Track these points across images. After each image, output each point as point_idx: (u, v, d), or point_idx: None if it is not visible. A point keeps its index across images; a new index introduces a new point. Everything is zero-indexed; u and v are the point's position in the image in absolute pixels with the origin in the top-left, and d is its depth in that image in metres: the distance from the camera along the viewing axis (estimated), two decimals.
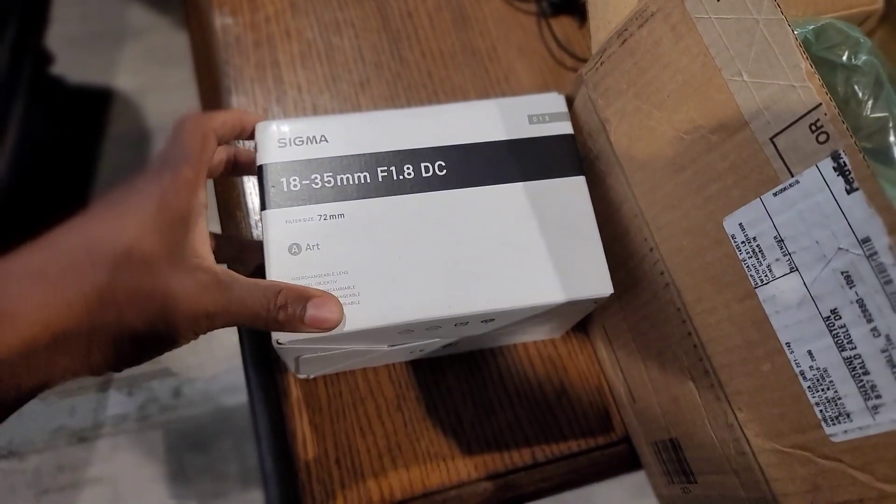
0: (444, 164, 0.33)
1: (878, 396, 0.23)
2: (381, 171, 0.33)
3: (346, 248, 0.31)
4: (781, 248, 0.25)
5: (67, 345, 0.25)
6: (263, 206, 0.32)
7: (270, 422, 0.40)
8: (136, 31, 1.53)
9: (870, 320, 0.23)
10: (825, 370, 0.24)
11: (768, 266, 0.26)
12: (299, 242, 0.31)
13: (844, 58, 0.27)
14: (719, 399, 0.29)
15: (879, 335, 0.23)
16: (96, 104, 1.43)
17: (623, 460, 0.41)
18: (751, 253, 0.26)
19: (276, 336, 0.30)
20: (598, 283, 0.31)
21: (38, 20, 1.04)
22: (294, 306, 0.29)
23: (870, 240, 0.23)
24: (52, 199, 1.30)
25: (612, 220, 0.34)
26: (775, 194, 0.25)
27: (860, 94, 0.27)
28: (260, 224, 0.34)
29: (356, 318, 0.30)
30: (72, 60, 1.42)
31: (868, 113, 0.27)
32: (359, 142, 0.33)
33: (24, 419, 1.16)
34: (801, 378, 0.25)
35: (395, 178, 0.33)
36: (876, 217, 0.22)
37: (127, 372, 1.20)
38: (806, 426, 0.25)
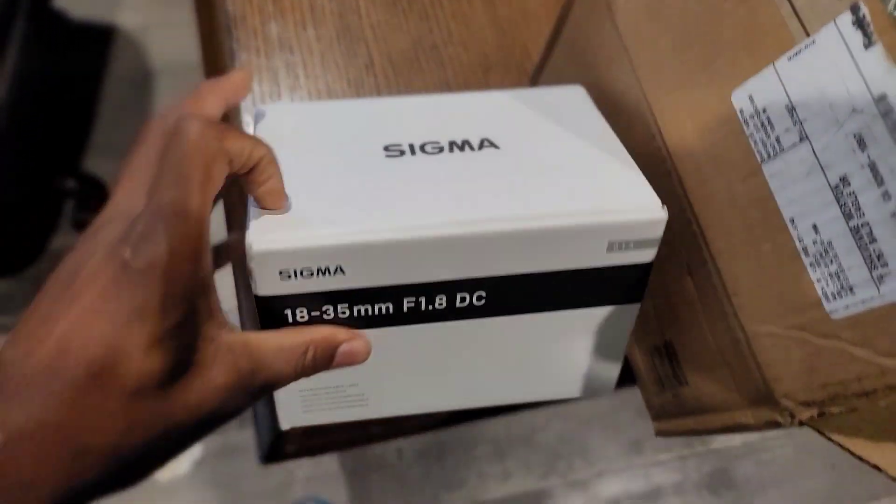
0: (483, 294, 0.28)
1: (885, 265, 0.22)
2: (408, 302, 0.27)
3: (357, 367, 0.28)
4: (792, 117, 0.24)
5: None
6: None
7: None
8: None
9: (881, 183, 0.22)
10: (829, 243, 0.23)
11: (777, 138, 0.24)
12: None
13: None
14: (715, 288, 0.28)
15: (890, 198, 0.21)
16: (98, 40, 1.40)
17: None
18: (759, 126, 0.25)
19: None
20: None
21: None
22: (324, 359, 0.26)
23: (885, 97, 0.21)
24: (50, 135, 1.28)
25: (615, 114, 0.33)
26: (790, 59, 0.24)
27: None
28: None
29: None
30: None
31: None
32: (383, 271, 0.26)
33: None
34: (802, 255, 0.24)
35: (422, 308, 0.28)
36: (893, 71, 0.21)
37: None
38: (805, 305, 0.24)
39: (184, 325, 0.21)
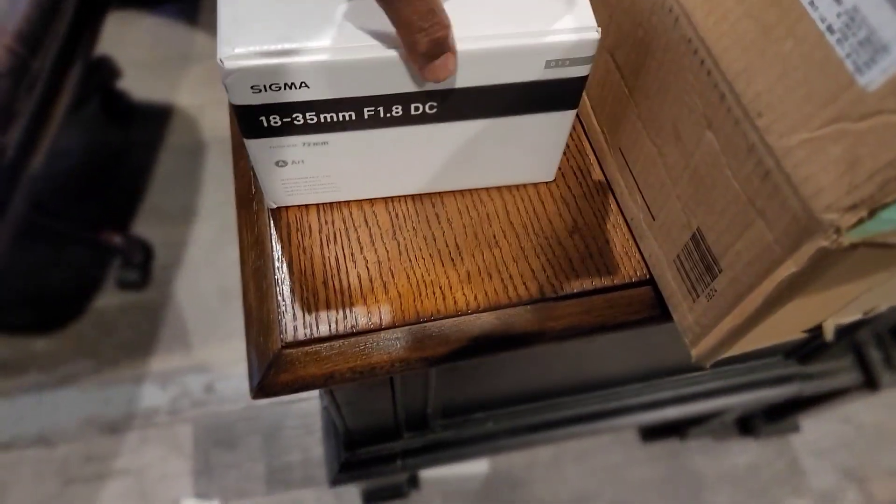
0: (435, 104, 0.31)
1: None
2: (368, 111, 0.31)
3: (329, 161, 0.34)
4: None
5: None
6: (245, 136, 0.31)
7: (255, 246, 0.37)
8: (199, 55, 1.61)
9: None
10: (854, 7, 0.20)
11: None
12: (285, 159, 0.33)
13: None
14: (738, 121, 0.25)
15: None
16: (157, 116, 1.49)
17: (644, 305, 0.36)
18: None
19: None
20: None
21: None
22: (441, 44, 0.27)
23: None
24: (104, 196, 1.34)
25: None
26: None
27: None
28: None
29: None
30: (139, 81, 1.50)
31: None
32: (344, 86, 0.29)
33: (57, 407, 1.15)
34: (827, 34, 0.21)
35: (381, 115, 0.31)
36: None
37: (162, 365, 1.20)
38: (837, 90, 0.21)
39: None
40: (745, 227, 0.26)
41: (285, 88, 0.28)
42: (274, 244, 0.36)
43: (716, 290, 0.29)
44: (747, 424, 1.09)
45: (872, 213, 0.20)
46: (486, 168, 0.37)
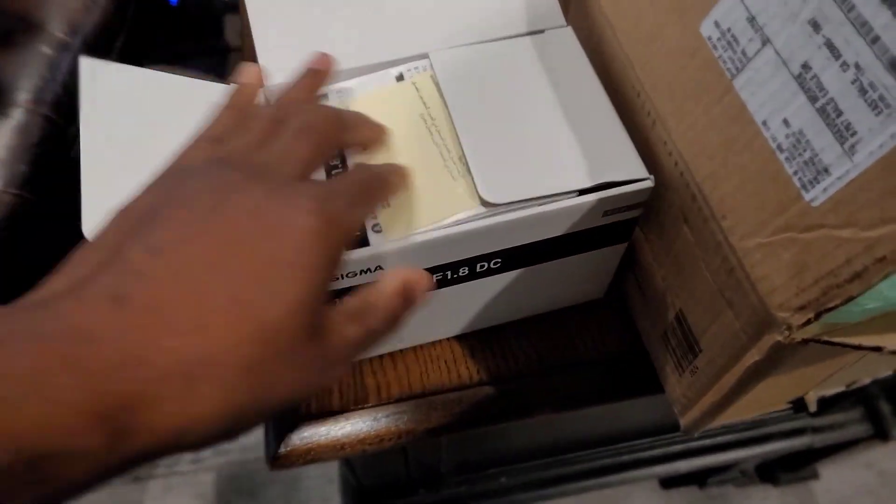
0: (499, 260, 0.31)
1: (853, 133, 0.21)
2: (436, 276, 0.31)
3: None
4: (753, 26, 0.25)
5: None
6: None
7: None
8: None
9: (838, 56, 0.22)
10: (800, 131, 0.23)
11: (742, 51, 0.25)
12: None
13: None
14: (707, 219, 0.27)
15: (848, 67, 0.21)
16: None
17: (637, 377, 0.38)
18: (726, 46, 0.26)
19: None
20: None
21: None
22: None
23: None
24: None
25: (607, 87, 0.34)
26: None
27: None
28: None
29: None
30: None
31: None
32: (415, 263, 0.29)
33: None
34: (777, 152, 0.24)
35: (448, 277, 0.32)
36: None
37: None
38: (786, 202, 0.23)
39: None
40: (717, 313, 0.28)
41: (360, 274, 0.28)
42: None
43: (697, 368, 0.31)
44: (767, 472, 1.08)
45: (818, 316, 0.23)
46: (540, 299, 0.37)
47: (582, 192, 0.29)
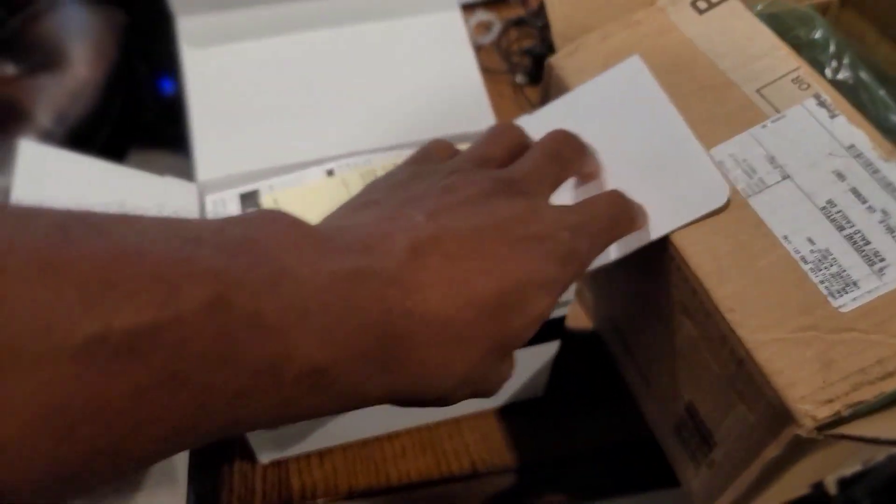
0: None
1: (882, 259, 0.26)
2: None
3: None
4: (773, 163, 0.29)
5: None
6: None
7: None
8: None
9: (864, 201, 0.27)
10: (826, 249, 0.27)
11: (760, 179, 0.29)
12: None
13: (801, 34, 0.35)
14: (709, 314, 0.28)
15: (875, 210, 0.27)
16: None
17: (653, 474, 0.34)
18: (742, 172, 0.29)
19: None
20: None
21: None
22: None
23: (855, 145, 0.28)
24: None
25: None
26: (763, 126, 0.30)
27: (822, 62, 0.35)
28: None
29: None
30: None
31: (831, 77, 0.35)
32: None
33: None
34: (801, 263, 0.27)
35: None
36: (858, 131, 0.28)
37: None
38: (811, 305, 0.26)
39: None
40: (729, 406, 0.28)
41: None
42: None
43: (714, 461, 0.29)
44: None
45: (847, 408, 0.24)
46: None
47: None
